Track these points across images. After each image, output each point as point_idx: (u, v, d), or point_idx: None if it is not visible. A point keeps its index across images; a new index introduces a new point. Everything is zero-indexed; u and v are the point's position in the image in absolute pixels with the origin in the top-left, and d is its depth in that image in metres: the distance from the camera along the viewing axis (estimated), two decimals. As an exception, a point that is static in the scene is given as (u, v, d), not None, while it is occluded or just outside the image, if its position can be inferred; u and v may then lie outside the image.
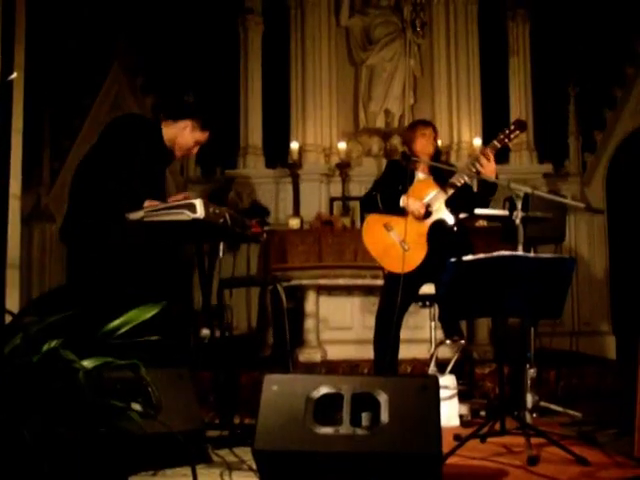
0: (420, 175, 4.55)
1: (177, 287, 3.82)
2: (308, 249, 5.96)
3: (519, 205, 3.85)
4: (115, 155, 3.60)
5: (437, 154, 4.76)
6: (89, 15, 7.25)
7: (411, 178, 4.46)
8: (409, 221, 4.27)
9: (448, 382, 4.24)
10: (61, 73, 7.12)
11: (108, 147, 3.65)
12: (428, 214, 4.32)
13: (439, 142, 5.08)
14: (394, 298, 4.18)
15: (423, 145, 4.58)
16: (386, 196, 4.40)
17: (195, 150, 3.97)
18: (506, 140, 4.37)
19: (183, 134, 3.86)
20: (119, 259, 3.56)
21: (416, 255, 4.25)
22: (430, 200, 4.33)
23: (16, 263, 3.64)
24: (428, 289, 4.39)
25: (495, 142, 4.35)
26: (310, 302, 6.02)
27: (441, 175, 4.45)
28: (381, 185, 4.57)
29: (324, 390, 2.83)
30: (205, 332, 3.75)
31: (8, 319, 2.33)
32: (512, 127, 4.35)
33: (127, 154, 3.62)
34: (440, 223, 4.32)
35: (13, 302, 3.30)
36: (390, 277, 4.35)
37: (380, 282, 5.76)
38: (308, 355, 5.90)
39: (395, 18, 7.45)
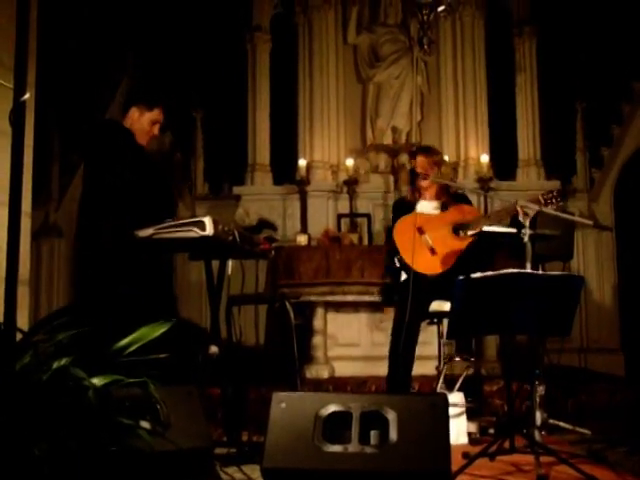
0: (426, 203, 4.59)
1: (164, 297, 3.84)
2: (316, 265, 5.96)
3: (527, 222, 3.85)
4: (103, 155, 3.74)
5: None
6: (99, 31, 7.30)
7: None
8: (445, 232, 4.35)
9: (457, 399, 4.23)
10: (71, 88, 7.16)
11: (94, 150, 3.77)
12: (463, 229, 4.36)
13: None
14: (405, 307, 4.21)
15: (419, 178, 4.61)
16: None
17: (156, 131, 3.98)
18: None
19: (136, 122, 3.91)
20: (118, 262, 3.60)
21: (441, 265, 4.29)
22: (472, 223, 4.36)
23: (26, 280, 3.66)
24: (437, 306, 4.39)
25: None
26: (318, 318, 6.02)
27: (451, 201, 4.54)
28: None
29: (333, 408, 2.82)
30: (213, 349, 3.75)
31: (18, 336, 2.34)
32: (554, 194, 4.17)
33: (113, 152, 3.75)
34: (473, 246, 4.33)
35: (23, 319, 3.31)
36: (402, 288, 4.34)
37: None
38: (316, 372, 5.88)
39: (402, 36, 7.49)
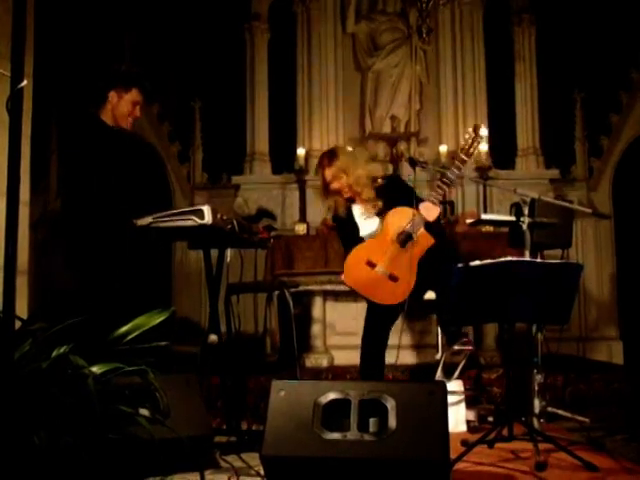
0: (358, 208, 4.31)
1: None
2: (315, 254, 5.96)
3: (526, 211, 3.86)
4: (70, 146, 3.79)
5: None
6: (97, 23, 7.28)
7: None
8: (393, 250, 4.05)
9: (455, 387, 4.24)
10: (68, 79, 7.15)
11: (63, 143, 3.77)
12: (408, 240, 4.05)
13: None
14: (378, 323, 4.17)
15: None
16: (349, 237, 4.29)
17: (138, 112, 3.96)
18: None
19: (117, 106, 3.90)
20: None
21: (409, 282, 4.04)
22: (411, 228, 4.06)
23: (24, 269, 3.67)
24: (431, 295, 4.34)
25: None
26: (317, 307, 6.03)
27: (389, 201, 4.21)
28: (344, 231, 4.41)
29: (332, 396, 2.83)
30: (212, 338, 3.76)
31: (17, 325, 2.35)
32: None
33: (79, 141, 3.78)
34: (432, 248, 4.10)
35: (21, 308, 3.32)
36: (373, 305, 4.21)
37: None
38: (315, 360, 5.90)
39: (401, 24, 7.46)
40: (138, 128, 7.53)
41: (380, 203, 4.22)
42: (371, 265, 4.08)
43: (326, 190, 4.33)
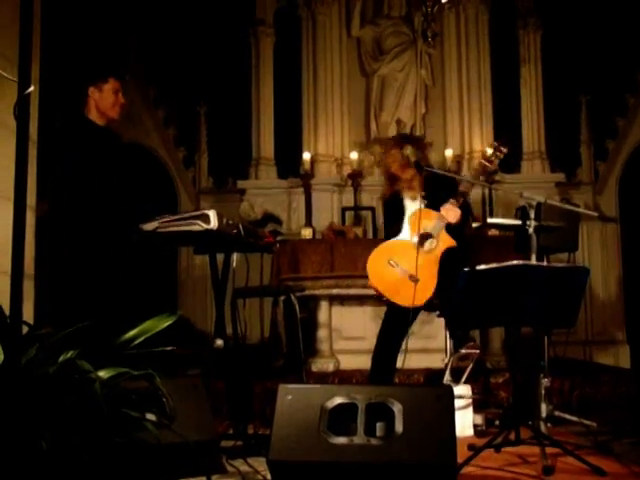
0: (410, 203, 4.43)
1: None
2: (320, 259, 5.96)
3: (532, 214, 3.85)
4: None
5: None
6: (101, 26, 7.29)
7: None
8: (414, 252, 4.13)
9: (463, 391, 4.23)
10: (73, 85, 7.17)
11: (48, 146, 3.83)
12: (426, 239, 4.19)
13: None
14: (396, 327, 4.20)
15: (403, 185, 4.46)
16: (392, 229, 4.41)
17: (122, 98, 4.01)
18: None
19: (100, 100, 3.94)
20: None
21: (428, 286, 4.13)
22: (433, 229, 4.21)
23: (31, 274, 3.67)
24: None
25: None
26: (323, 312, 6.02)
27: (434, 200, 4.33)
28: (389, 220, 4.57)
29: (338, 400, 2.83)
30: (219, 342, 3.76)
31: (24, 330, 2.35)
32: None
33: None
34: (451, 250, 4.22)
35: (28, 313, 3.32)
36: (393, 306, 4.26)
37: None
38: (321, 365, 5.89)
39: (406, 28, 7.47)
40: (143, 133, 7.59)
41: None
42: (392, 265, 4.18)
43: (394, 178, 4.46)
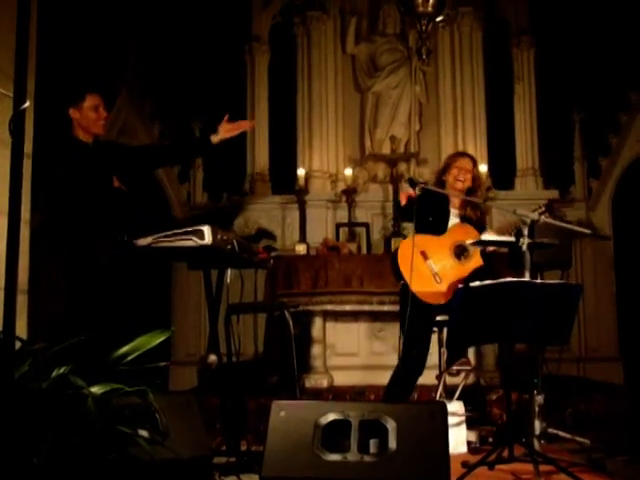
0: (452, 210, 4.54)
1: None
2: (315, 275, 5.96)
3: (525, 231, 3.86)
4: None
5: (469, 191, 4.61)
6: (98, 40, 7.32)
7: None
8: (447, 257, 4.30)
9: (456, 408, 4.22)
10: (69, 97, 7.18)
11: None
12: (462, 251, 4.33)
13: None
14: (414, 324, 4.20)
15: (454, 177, 4.55)
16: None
17: (103, 112, 4.06)
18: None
19: (82, 118, 4.00)
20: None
21: (446, 295, 4.19)
22: (470, 245, 4.30)
23: (25, 288, 3.66)
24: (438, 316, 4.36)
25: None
26: (317, 328, 6.02)
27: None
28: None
29: (332, 416, 2.83)
30: (212, 358, 3.75)
31: (17, 345, 2.34)
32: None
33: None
34: (479, 270, 4.30)
35: (22, 328, 3.31)
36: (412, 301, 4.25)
37: (386, 308, 5.79)
38: (315, 381, 5.88)
39: (400, 46, 7.51)
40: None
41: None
42: (424, 256, 4.28)
43: (442, 181, 4.60)
